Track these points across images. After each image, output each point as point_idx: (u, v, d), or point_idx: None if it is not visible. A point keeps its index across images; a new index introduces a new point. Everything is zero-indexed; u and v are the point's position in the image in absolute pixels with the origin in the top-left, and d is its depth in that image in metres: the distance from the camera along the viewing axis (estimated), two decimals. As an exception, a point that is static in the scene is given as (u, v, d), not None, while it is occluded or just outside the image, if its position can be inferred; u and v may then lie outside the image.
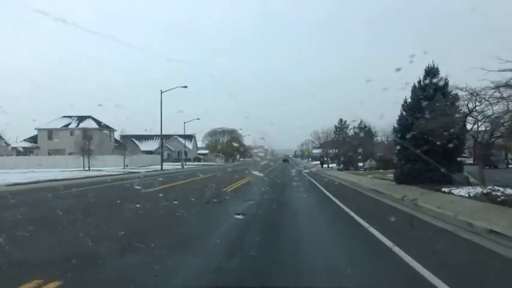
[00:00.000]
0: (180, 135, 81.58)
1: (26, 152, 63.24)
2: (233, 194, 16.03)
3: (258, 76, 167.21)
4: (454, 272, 5.10)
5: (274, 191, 17.36)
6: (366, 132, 56.84)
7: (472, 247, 6.63)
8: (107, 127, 65.60)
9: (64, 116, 65.95)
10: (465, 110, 16.83)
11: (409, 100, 19.98)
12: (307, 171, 40.57)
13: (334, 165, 54.35)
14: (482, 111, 15.67)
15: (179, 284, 4.79)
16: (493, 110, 15.34)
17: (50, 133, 64.90)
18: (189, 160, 79.22)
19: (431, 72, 19.32)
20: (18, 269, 5.35)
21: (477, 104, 16.22)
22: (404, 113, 19.82)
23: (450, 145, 18.01)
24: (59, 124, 65.16)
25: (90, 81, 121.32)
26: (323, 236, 7.98)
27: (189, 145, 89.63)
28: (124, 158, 50.97)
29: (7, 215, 10.43)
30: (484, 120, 15.94)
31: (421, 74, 19.72)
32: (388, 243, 6.55)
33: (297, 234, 7.82)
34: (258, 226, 8.81)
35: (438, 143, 17.76)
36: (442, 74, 19.68)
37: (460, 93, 16.61)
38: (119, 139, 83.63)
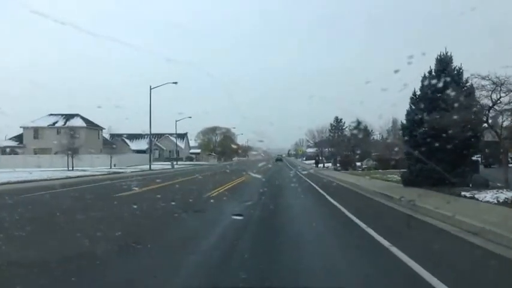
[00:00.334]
0: (171, 134, 78.64)
1: (12, 151, 60.34)
2: (215, 202, 13.57)
3: (254, 76, 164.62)
4: None
5: (267, 198, 14.92)
6: (362, 131, 54.72)
7: None
8: (95, 125, 62.73)
9: (51, 114, 63.03)
10: (486, 102, 14.54)
11: (418, 93, 17.62)
12: (303, 171, 38.17)
13: (330, 164, 52.04)
14: (510, 103, 13.33)
15: None
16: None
17: (36, 132, 61.93)
18: (181, 159, 76.55)
19: (444, 61, 16.99)
20: None
21: (502, 95, 13.93)
22: (413, 106, 17.46)
23: (466, 142, 15.76)
24: (45, 122, 62.22)
25: (88, 81, 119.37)
26: (340, 273, 5.49)
27: (181, 144, 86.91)
28: (111, 157, 48.21)
29: None
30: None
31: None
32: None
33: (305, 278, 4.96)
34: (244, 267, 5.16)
35: (455, 140, 15.52)
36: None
37: (482, 82, 14.28)
38: (109, 138, 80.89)
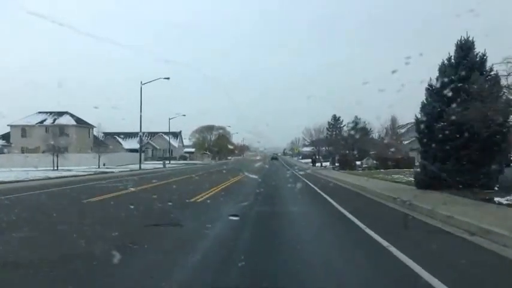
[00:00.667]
0: (166, 133, 75.99)
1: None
2: (198, 209, 11.22)
3: (251, 76, 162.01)
4: None
5: (262, 202, 12.55)
6: (360, 129, 52.54)
7: None
8: (86, 123, 60.03)
9: (39, 112, 60.32)
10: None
11: (434, 83, 15.30)
12: (300, 171, 35.82)
13: (327, 164, 49.73)
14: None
15: None
16: None
17: (24, 130, 59.15)
18: (174, 158, 73.97)
19: (465, 47, 14.67)
20: None
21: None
22: (429, 98, 15.13)
23: (492, 138, 13.48)
24: (33, 120, 59.46)
25: (85, 82, 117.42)
26: None
27: (175, 143, 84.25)
28: (99, 156, 45.64)
29: None
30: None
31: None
32: None
33: None
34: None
35: (480, 136, 13.25)
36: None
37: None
38: (102, 137, 78.17)
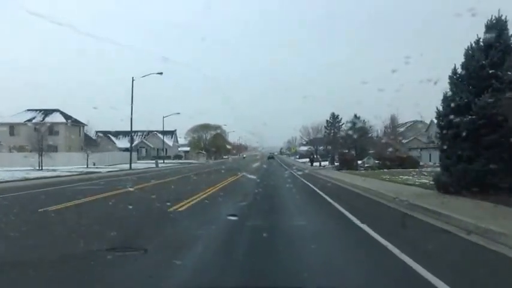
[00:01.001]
0: (160, 131, 73.44)
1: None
2: (177, 222, 8.87)
3: (249, 76, 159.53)
4: None
5: (257, 213, 10.18)
6: (359, 129, 50.28)
7: None
8: (76, 121, 57.36)
9: (28, 110, 57.62)
10: None
11: (459, 70, 12.97)
12: (298, 172, 33.46)
13: (326, 163, 47.39)
14: None
15: None
16: None
17: (12, 128, 56.38)
18: (169, 158, 71.47)
19: (498, 26, 12.33)
20: None
21: None
22: (454, 88, 12.80)
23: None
24: (22, 118, 56.68)
25: (82, 81, 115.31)
26: None
27: (170, 142, 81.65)
28: (87, 155, 43.15)
29: None
30: None
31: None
32: None
33: None
34: None
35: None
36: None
37: None
38: (95, 135, 75.57)
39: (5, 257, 5.67)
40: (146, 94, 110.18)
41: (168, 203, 10.70)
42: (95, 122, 68.26)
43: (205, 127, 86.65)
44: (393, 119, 60.84)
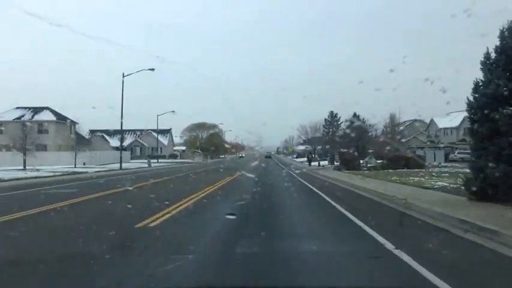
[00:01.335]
0: (154, 130, 71.03)
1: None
2: (142, 247, 6.56)
3: (248, 76, 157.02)
4: None
5: (251, 238, 7.77)
6: (360, 127, 48.18)
7: None
8: (67, 119, 54.79)
9: (17, 107, 55.06)
10: None
11: (493, 55, 10.73)
12: (297, 171, 31.23)
13: (326, 163, 45.14)
14: None
15: None
16: None
17: (-1, 126, 53.80)
18: (164, 157, 69.07)
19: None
20: None
21: None
22: (489, 75, 10.54)
23: None
24: (11, 116, 54.16)
25: (80, 81, 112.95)
26: None
27: (165, 141, 79.10)
28: (75, 154, 40.80)
29: None
30: None
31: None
32: None
33: None
34: None
35: None
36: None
37: None
38: (88, 134, 73.07)
39: None
40: (146, 94, 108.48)
41: (141, 216, 8.41)
42: (95, 122, 65.85)
43: (201, 126, 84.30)
44: (392, 118, 58.70)
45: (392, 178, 19.87)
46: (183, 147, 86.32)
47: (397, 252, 5.58)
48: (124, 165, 43.83)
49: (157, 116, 58.24)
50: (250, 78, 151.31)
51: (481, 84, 10.73)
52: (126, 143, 75.53)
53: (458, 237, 6.79)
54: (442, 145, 53.67)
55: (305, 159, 53.88)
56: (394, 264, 5.14)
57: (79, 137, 58.79)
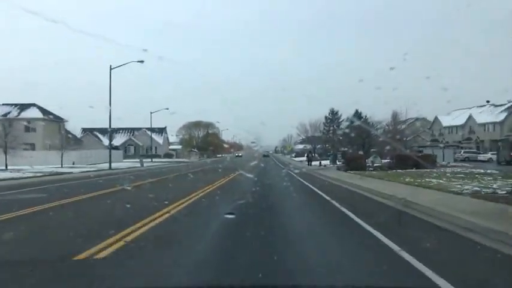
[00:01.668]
0: (149, 129, 68.75)
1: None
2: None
3: (246, 75, 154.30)
4: None
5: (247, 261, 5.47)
6: (365, 125, 46.11)
7: None
8: (55, 117, 52.40)
9: (3, 104, 52.49)
10: None
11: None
12: (297, 171, 29.05)
13: (328, 162, 42.95)
14: None
15: None
16: None
17: (-16, 124, 51.35)
18: (158, 156, 66.78)
19: None
20: None
21: None
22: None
23: None
24: (-4, 113, 51.75)
25: (78, 81, 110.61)
26: None
27: (159, 139, 76.71)
28: (62, 154, 38.54)
29: None
30: None
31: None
32: None
33: None
34: None
35: None
36: None
37: None
38: (81, 133, 70.69)
39: None
40: (146, 94, 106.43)
41: (102, 232, 6.19)
42: (94, 122, 63.31)
43: (197, 124, 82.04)
44: (394, 116, 56.61)
45: (407, 180, 17.73)
46: (179, 146, 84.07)
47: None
48: (115, 164, 41.57)
49: (151, 113, 56.01)
50: (250, 78, 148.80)
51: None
52: (119, 142, 73.27)
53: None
54: (442, 145, 51.88)
55: (304, 158, 51.67)
56: None
57: (70, 136, 56.44)
